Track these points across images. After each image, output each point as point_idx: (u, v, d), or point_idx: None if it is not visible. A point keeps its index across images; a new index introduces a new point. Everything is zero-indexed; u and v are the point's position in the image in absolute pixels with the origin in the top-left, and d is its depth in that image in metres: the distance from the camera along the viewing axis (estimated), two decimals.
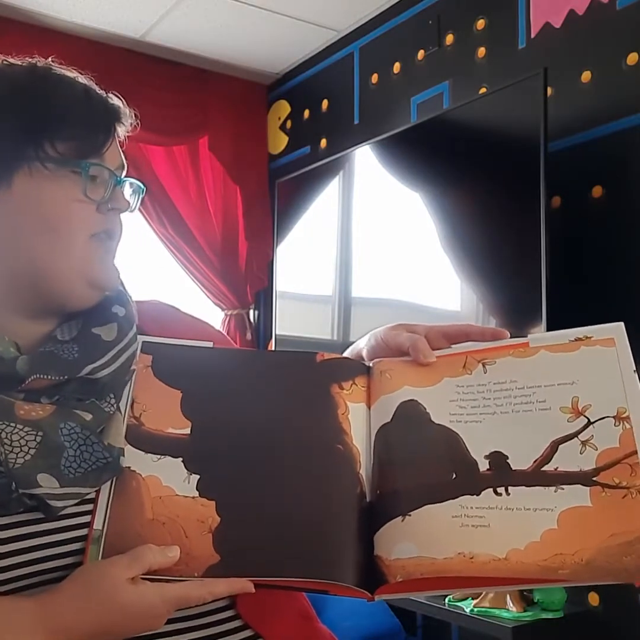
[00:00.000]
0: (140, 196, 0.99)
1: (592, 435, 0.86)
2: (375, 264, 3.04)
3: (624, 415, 0.86)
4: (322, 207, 3.32)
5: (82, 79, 0.94)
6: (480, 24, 2.87)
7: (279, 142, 3.88)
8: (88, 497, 0.86)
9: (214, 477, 0.89)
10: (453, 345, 0.99)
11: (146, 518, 0.86)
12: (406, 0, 3.16)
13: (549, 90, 2.39)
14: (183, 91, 3.67)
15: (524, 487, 0.84)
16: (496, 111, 2.58)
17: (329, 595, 0.84)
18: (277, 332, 3.49)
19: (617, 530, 0.79)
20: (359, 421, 0.94)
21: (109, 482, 0.87)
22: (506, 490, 0.85)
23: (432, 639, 2.90)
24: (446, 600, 2.40)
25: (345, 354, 1.07)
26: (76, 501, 0.85)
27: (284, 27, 3.39)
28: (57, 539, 0.84)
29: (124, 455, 0.88)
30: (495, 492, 0.85)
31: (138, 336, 0.98)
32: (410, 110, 3.15)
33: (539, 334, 0.98)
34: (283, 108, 3.87)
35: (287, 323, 3.47)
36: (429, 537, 0.82)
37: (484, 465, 0.87)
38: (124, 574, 0.79)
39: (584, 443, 0.86)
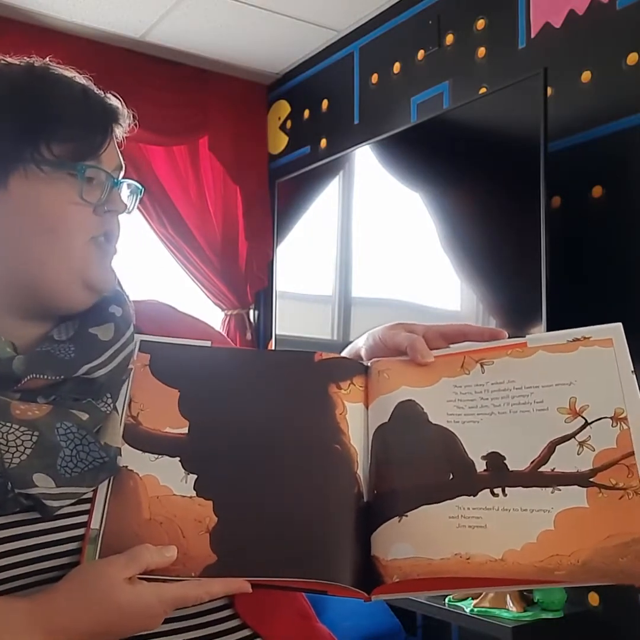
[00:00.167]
0: (138, 197, 0.99)
1: (590, 436, 0.86)
2: (375, 264, 3.04)
3: (622, 416, 0.86)
4: (322, 207, 3.32)
5: (80, 79, 0.94)
6: (480, 24, 2.87)
7: (279, 142, 3.88)
8: (85, 496, 0.86)
9: (211, 477, 0.89)
10: (451, 345, 0.99)
11: (143, 518, 0.86)
12: (406, 0, 3.16)
13: (549, 90, 2.39)
14: (183, 91, 3.67)
15: (521, 488, 0.84)
16: (496, 111, 2.58)
17: (329, 596, 0.84)
18: (277, 332, 3.49)
19: (614, 531, 0.79)
20: (356, 421, 0.94)
21: (106, 482, 0.87)
22: (503, 491, 0.84)
23: (432, 639, 2.90)
24: (446, 600, 2.39)
25: (344, 354, 1.07)
26: (72, 501, 0.85)
27: (284, 27, 3.39)
28: (53, 539, 0.84)
29: (121, 455, 0.88)
30: (492, 493, 0.84)
31: (135, 335, 0.97)
32: (410, 110, 3.14)
33: (537, 334, 0.97)
34: (283, 108, 3.87)
35: (287, 323, 3.47)
36: (425, 538, 0.82)
37: (481, 466, 0.87)
38: (121, 574, 0.79)
39: (581, 444, 0.85)
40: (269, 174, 3.89)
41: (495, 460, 0.87)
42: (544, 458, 0.86)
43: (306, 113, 3.73)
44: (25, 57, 0.93)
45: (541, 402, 0.90)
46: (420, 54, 3.11)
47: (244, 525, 0.86)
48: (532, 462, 0.86)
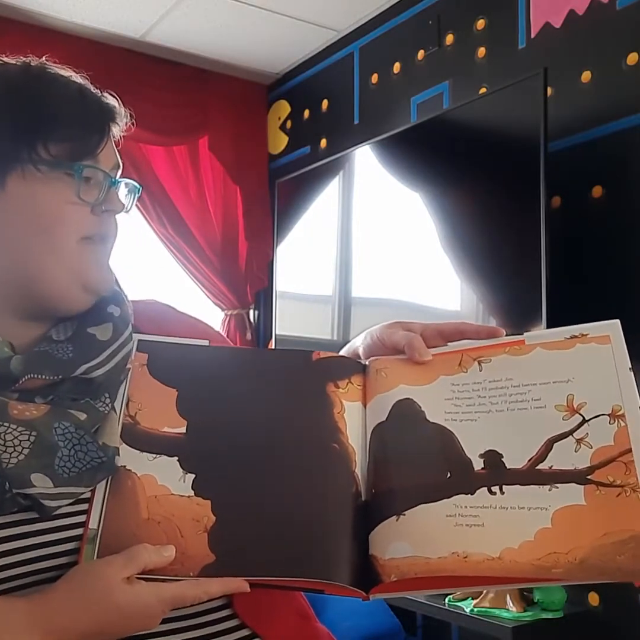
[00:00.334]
0: (136, 196, 0.98)
1: (587, 433, 0.86)
2: (375, 264, 3.04)
3: (619, 413, 0.86)
4: (322, 207, 3.32)
5: (76, 79, 0.94)
6: (480, 24, 2.86)
7: (279, 142, 3.88)
8: (83, 496, 0.86)
9: (209, 476, 0.89)
10: (449, 344, 0.99)
11: (141, 517, 0.86)
12: (406, 0, 3.16)
13: (549, 90, 2.39)
14: (183, 91, 3.67)
15: (518, 486, 0.84)
16: (496, 111, 2.58)
17: (328, 595, 0.84)
18: (277, 332, 3.49)
19: (611, 528, 0.79)
20: (354, 420, 0.94)
21: (104, 482, 0.87)
22: (501, 489, 0.84)
23: (432, 639, 2.90)
24: (446, 600, 2.39)
25: (342, 353, 1.07)
26: (70, 501, 0.85)
27: (284, 27, 3.39)
28: (51, 539, 0.84)
29: (119, 455, 0.88)
30: (490, 491, 0.84)
31: (134, 335, 0.97)
32: (410, 110, 3.14)
33: (534, 332, 0.97)
34: (283, 108, 3.87)
35: (287, 323, 3.47)
36: (423, 537, 0.82)
37: (478, 464, 0.87)
38: (119, 574, 0.79)
39: (578, 441, 0.85)
40: (269, 174, 3.89)
41: (492, 458, 0.87)
42: (542, 456, 0.86)
43: (306, 113, 3.73)
44: (21, 57, 0.93)
45: (539, 399, 0.90)
46: (420, 54, 3.11)
47: (242, 525, 0.86)
48: (529, 460, 0.86)
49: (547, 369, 0.91)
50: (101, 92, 0.95)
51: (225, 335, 3.23)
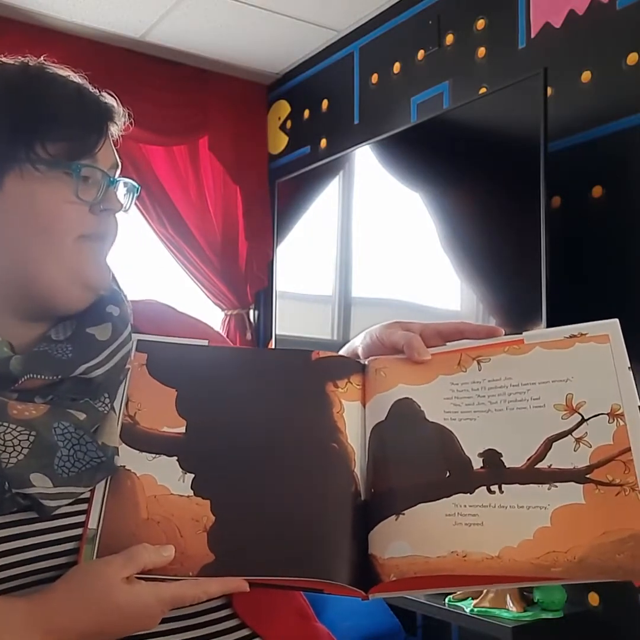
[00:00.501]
0: (135, 196, 0.98)
1: (586, 433, 0.86)
2: (375, 264, 3.04)
3: (618, 412, 0.86)
4: (322, 207, 3.32)
5: (75, 78, 0.93)
6: (480, 24, 2.87)
7: (279, 142, 3.89)
8: (82, 496, 0.86)
9: (208, 476, 0.89)
10: (448, 343, 0.99)
11: (141, 517, 0.86)
12: (406, 0, 3.16)
13: (549, 90, 2.39)
14: (183, 91, 3.68)
15: (517, 485, 0.84)
16: (496, 111, 2.58)
17: (328, 595, 0.84)
18: (277, 332, 3.49)
19: (610, 527, 0.79)
20: (354, 419, 0.94)
21: (103, 482, 0.87)
22: (500, 488, 0.84)
23: (432, 639, 2.90)
24: (446, 600, 2.39)
25: (341, 353, 1.07)
26: (70, 501, 0.85)
27: (284, 27, 3.39)
28: (51, 539, 0.84)
29: (118, 455, 0.88)
30: (489, 490, 0.84)
31: (133, 335, 0.97)
32: (410, 110, 3.14)
33: (533, 331, 0.97)
34: (283, 108, 3.87)
35: (287, 323, 3.47)
36: (422, 536, 0.82)
37: (477, 463, 0.87)
38: (118, 574, 0.79)
39: (577, 440, 0.85)
40: (269, 174, 3.90)
41: (492, 457, 0.87)
42: (541, 455, 0.86)
43: (306, 113, 3.73)
44: (20, 57, 0.93)
45: (538, 398, 0.90)
46: (420, 54, 3.11)
47: (242, 524, 0.86)
48: (528, 459, 0.86)
49: (546, 368, 0.91)
50: (99, 91, 0.94)
51: (225, 335, 3.23)
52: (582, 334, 0.93)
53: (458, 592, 2.35)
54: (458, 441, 0.89)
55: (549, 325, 2.27)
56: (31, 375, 0.85)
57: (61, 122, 0.88)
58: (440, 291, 2.75)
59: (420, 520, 0.83)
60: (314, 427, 0.93)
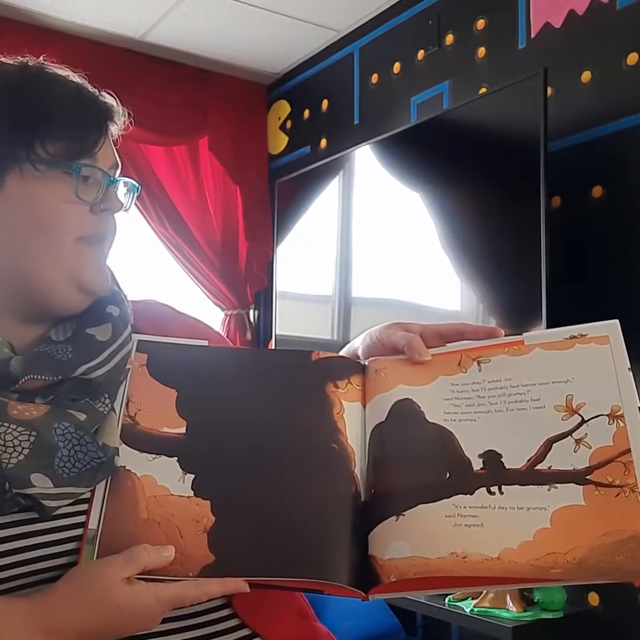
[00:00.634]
0: (135, 195, 0.98)
1: (586, 434, 0.86)
2: (375, 264, 3.04)
3: (618, 414, 0.85)
4: (322, 207, 3.32)
5: (74, 78, 0.93)
6: (480, 24, 2.86)
7: (279, 142, 3.88)
8: (83, 497, 0.86)
9: (209, 477, 0.89)
10: (448, 344, 0.99)
11: (141, 518, 0.86)
12: (406, 0, 3.16)
13: (549, 90, 2.39)
14: (183, 91, 3.68)
15: (517, 486, 0.84)
16: (496, 111, 2.58)
17: (328, 595, 0.84)
18: (277, 332, 3.49)
19: (610, 528, 0.79)
20: (354, 420, 0.94)
21: (103, 482, 0.87)
22: (500, 489, 0.84)
23: (432, 639, 2.90)
24: (446, 600, 2.39)
25: (341, 354, 1.07)
26: (70, 501, 0.85)
27: (284, 27, 3.39)
28: (51, 539, 0.84)
29: (118, 455, 0.88)
30: (489, 491, 0.84)
31: (133, 335, 0.97)
32: (410, 110, 3.14)
33: (534, 332, 0.97)
34: (283, 108, 3.87)
35: (287, 323, 3.47)
36: (422, 537, 0.82)
37: (477, 464, 0.87)
38: (119, 574, 0.79)
39: (577, 441, 0.85)
40: (269, 174, 3.90)
41: (491, 458, 0.87)
42: (541, 456, 0.86)
43: (306, 113, 3.73)
44: (19, 57, 0.93)
45: (538, 399, 0.90)
46: (420, 54, 3.11)
47: (242, 525, 0.86)
48: (528, 460, 0.86)
49: (546, 369, 0.91)
50: (99, 91, 0.94)
51: (225, 336, 3.24)
52: (582, 335, 0.93)
53: (457, 593, 2.35)
54: (458, 442, 0.89)
55: (549, 325, 2.27)
56: (31, 376, 0.85)
57: (61, 121, 0.88)
58: (440, 291, 2.75)
59: (420, 521, 0.83)
60: (314, 428, 0.93)
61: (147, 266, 3.69)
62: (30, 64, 0.92)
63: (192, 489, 0.88)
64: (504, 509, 0.83)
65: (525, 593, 2.35)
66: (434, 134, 2.79)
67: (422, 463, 0.89)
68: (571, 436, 0.86)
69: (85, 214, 0.90)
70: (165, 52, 3.59)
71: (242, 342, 3.76)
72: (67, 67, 0.94)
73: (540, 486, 0.83)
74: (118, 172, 0.95)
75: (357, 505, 0.87)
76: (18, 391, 0.85)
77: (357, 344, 1.05)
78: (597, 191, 2.45)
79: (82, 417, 0.86)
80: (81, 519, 0.85)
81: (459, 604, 2.36)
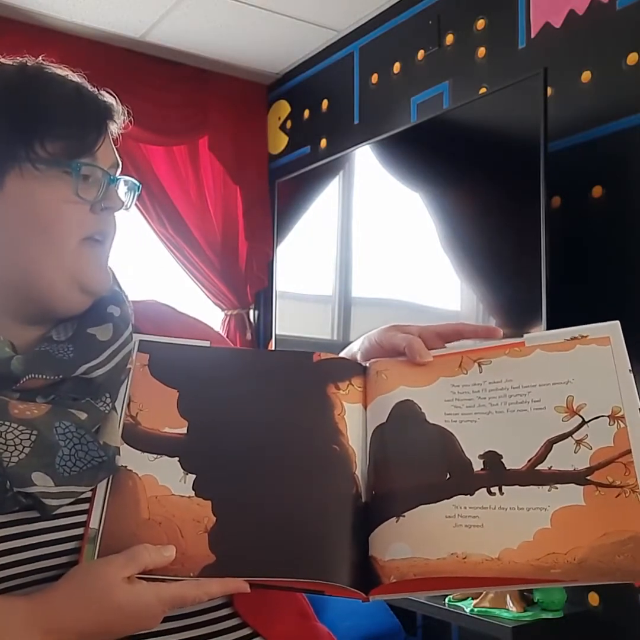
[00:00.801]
0: (136, 194, 0.98)
1: (587, 434, 0.86)
2: (375, 264, 3.04)
3: (619, 414, 0.86)
4: (322, 207, 3.32)
5: (73, 77, 0.93)
6: (480, 24, 2.86)
7: (279, 142, 3.88)
8: (83, 496, 0.86)
9: (210, 477, 0.89)
10: (448, 345, 0.99)
11: (142, 517, 0.86)
12: (406, 0, 3.16)
13: (549, 90, 2.39)
14: (183, 91, 3.67)
15: (517, 487, 0.84)
16: (496, 111, 2.58)
17: (327, 596, 0.84)
18: (277, 332, 3.49)
19: (610, 529, 0.79)
20: (355, 421, 0.94)
21: (105, 481, 0.87)
22: (500, 489, 0.84)
23: (432, 639, 2.90)
24: (446, 600, 2.39)
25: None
26: (71, 500, 0.85)
27: (284, 27, 3.39)
28: (52, 538, 0.84)
29: (119, 454, 0.88)
30: (489, 492, 0.84)
31: (134, 335, 0.97)
32: (410, 110, 3.14)
33: (534, 333, 0.97)
34: (283, 108, 3.87)
35: (287, 323, 3.47)
36: (422, 538, 0.82)
37: (478, 465, 0.87)
38: (119, 574, 0.79)
39: (578, 442, 0.85)
40: (269, 174, 3.89)
41: (492, 459, 0.87)
42: (541, 456, 0.86)
43: (306, 113, 3.73)
44: (18, 57, 0.93)
45: (538, 401, 0.90)
46: (420, 54, 3.11)
47: (243, 526, 0.86)
48: (529, 461, 0.86)
49: (546, 371, 0.92)
50: (98, 90, 0.94)
51: (225, 336, 3.23)
52: (582, 336, 0.93)
53: (457, 593, 2.35)
54: (459, 443, 0.89)
55: (549, 325, 2.27)
56: (32, 375, 0.85)
57: (60, 120, 0.88)
58: (440, 291, 2.75)
59: (421, 522, 0.84)
60: (315, 429, 0.93)
61: (147, 266, 3.69)
62: (29, 63, 0.92)
63: (193, 489, 0.88)
64: (504, 509, 0.83)
65: (525, 593, 2.35)
66: (434, 134, 2.79)
67: (423, 464, 0.89)
68: (572, 437, 0.86)
69: (85, 213, 0.90)
70: (165, 52, 3.59)
71: (242, 342, 3.76)
72: (67, 67, 0.94)
73: (540, 487, 0.84)
74: (118, 171, 0.95)
75: (358, 506, 0.88)
76: (19, 390, 0.86)
77: (354, 349, 1.05)
78: (597, 191, 2.45)
79: (83, 416, 0.86)
80: (82, 518, 0.85)
81: (459, 604, 2.36)
